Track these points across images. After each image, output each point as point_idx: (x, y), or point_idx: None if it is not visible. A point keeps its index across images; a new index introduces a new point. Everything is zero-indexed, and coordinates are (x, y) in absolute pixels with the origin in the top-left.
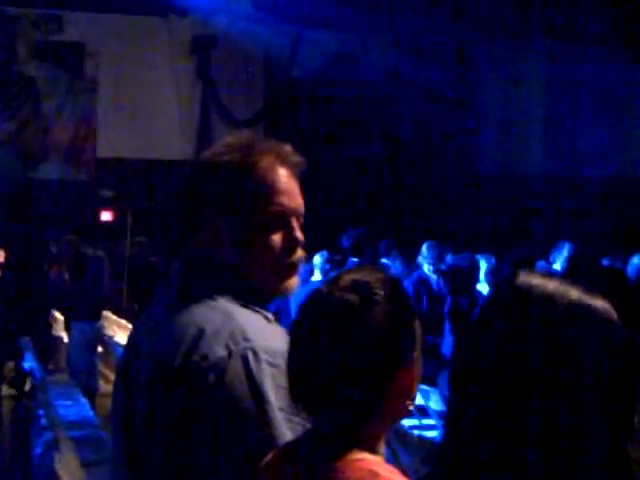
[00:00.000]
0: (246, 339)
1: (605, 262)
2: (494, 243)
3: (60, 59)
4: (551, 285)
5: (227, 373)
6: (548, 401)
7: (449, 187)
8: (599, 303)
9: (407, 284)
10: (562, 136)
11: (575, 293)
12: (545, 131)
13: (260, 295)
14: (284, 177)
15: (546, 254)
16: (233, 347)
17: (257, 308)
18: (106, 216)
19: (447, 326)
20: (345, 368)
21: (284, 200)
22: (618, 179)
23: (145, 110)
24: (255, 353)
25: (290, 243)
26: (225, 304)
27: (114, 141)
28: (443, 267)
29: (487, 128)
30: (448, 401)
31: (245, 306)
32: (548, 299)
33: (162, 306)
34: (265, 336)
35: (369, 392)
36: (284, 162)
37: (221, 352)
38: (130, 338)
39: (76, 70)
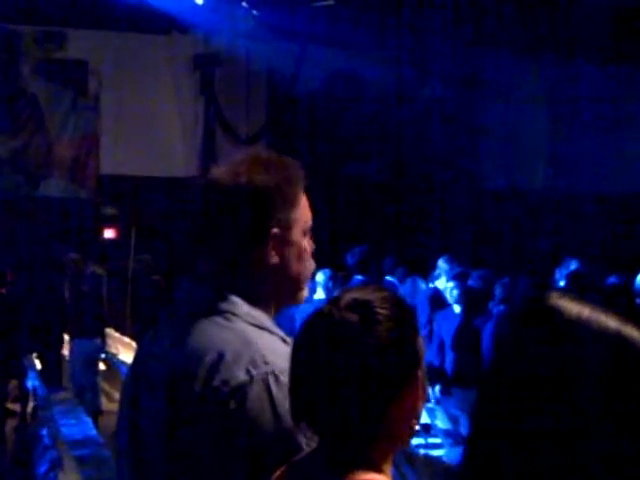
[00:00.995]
0: (266, 363)
1: (611, 280)
2: (498, 259)
3: (63, 77)
4: (586, 311)
5: (249, 398)
6: (576, 429)
7: (452, 204)
8: (636, 334)
9: (422, 299)
10: (566, 153)
11: (613, 323)
12: (549, 148)
13: (270, 311)
14: (293, 192)
15: (551, 271)
16: (254, 371)
17: (273, 329)
18: (109, 233)
19: (450, 343)
20: (348, 390)
21: (295, 214)
22: (623, 196)
23: (148, 127)
24: (276, 377)
25: (296, 258)
26: (241, 325)
27: (117, 158)
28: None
29: (490, 145)
30: (470, 421)
31: (261, 328)
32: (585, 326)
33: (173, 326)
34: (284, 359)
35: (374, 412)
36: (292, 177)
37: (242, 377)
38: (137, 358)
39: (79, 87)
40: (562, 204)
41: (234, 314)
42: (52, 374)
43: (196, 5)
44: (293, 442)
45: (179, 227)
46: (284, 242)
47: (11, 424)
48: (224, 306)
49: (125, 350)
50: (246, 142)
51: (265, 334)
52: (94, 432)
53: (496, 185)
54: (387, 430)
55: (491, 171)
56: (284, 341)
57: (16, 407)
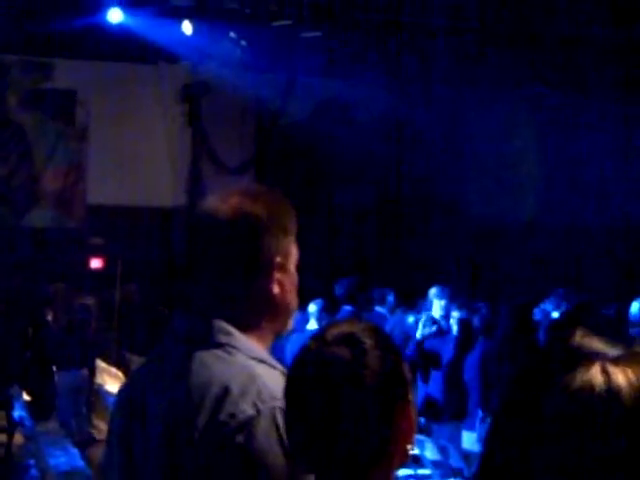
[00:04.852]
0: (273, 397)
1: (604, 311)
2: (491, 290)
3: (51, 106)
4: None
5: (256, 432)
6: None
7: (442, 235)
8: None
9: (412, 330)
10: (557, 184)
11: None
12: (540, 179)
13: (264, 342)
14: (290, 223)
15: (542, 301)
16: (261, 406)
17: (273, 363)
18: (96, 263)
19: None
20: (346, 423)
21: (291, 245)
22: (615, 228)
23: (135, 157)
24: (283, 411)
25: (291, 287)
26: (242, 358)
27: (104, 188)
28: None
29: (481, 175)
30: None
31: (261, 361)
32: None
33: (171, 358)
34: None
35: (371, 442)
36: (287, 208)
37: (250, 411)
38: (129, 390)
39: (66, 117)
40: (554, 236)
41: (234, 347)
42: (43, 408)
43: (184, 35)
44: (299, 478)
45: (169, 257)
46: (284, 271)
47: None
48: (223, 338)
49: (111, 381)
50: (234, 172)
51: (266, 368)
52: (81, 463)
53: (486, 217)
54: (383, 458)
55: (481, 203)
56: (284, 375)
57: (2, 438)
